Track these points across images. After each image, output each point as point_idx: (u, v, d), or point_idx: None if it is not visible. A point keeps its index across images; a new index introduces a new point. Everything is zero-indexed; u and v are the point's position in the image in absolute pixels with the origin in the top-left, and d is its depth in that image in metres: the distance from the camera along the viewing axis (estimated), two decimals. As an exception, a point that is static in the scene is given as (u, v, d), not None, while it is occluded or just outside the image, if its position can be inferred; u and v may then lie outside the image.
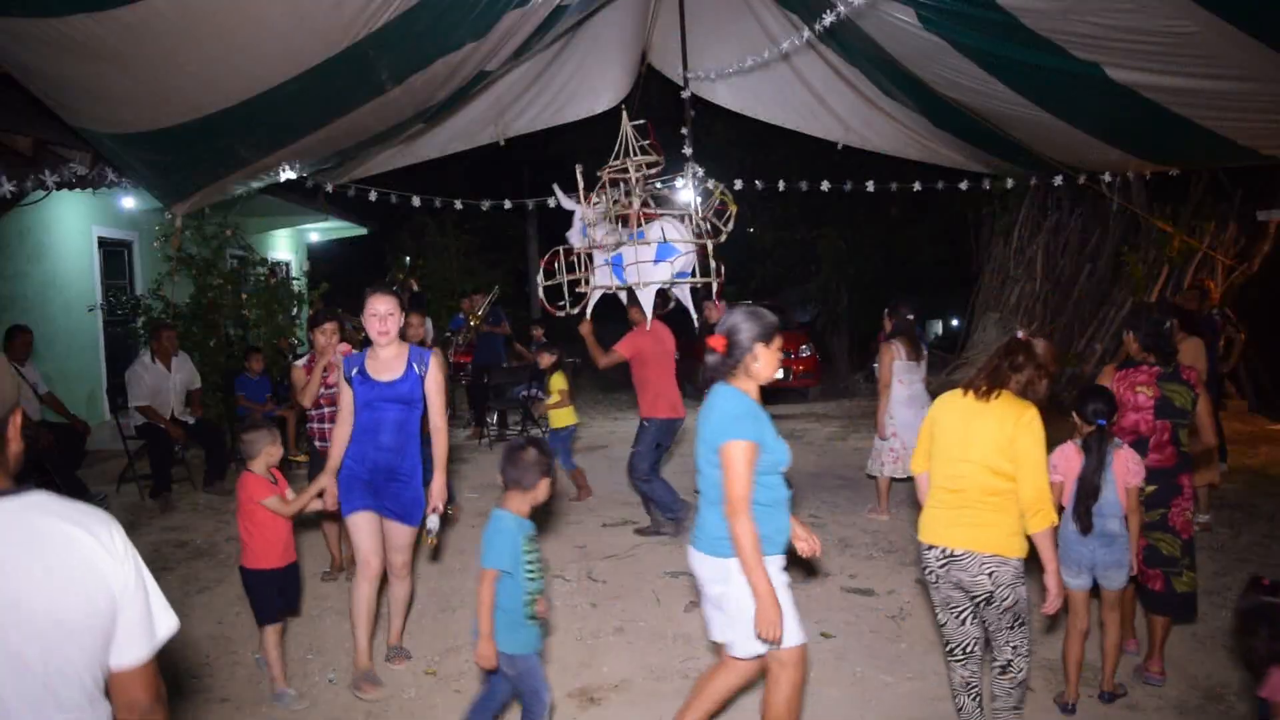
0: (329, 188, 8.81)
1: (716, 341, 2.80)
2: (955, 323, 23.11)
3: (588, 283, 5.73)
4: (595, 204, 5.64)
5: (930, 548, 2.99)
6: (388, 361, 3.66)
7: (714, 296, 6.49)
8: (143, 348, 7.32)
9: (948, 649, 3.08)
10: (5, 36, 4.35)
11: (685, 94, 8.92)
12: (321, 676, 3.90)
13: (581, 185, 5.67)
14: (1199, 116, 6.35)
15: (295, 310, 9.54)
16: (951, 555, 2.91)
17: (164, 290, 8.20)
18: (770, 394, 11.28)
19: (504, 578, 2.79)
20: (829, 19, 5.70)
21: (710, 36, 8.65)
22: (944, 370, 10.86)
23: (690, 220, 5.83)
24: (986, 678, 3.14)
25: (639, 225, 5.61)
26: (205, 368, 7.85)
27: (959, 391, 3.04)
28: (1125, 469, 3.34)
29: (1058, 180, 9.41)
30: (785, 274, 16.88)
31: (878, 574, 5.02)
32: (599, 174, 5.67)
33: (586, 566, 5.25)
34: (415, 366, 3.67)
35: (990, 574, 2.86)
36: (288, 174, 7.07)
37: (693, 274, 5.66)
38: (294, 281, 10.44)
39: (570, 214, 5.94)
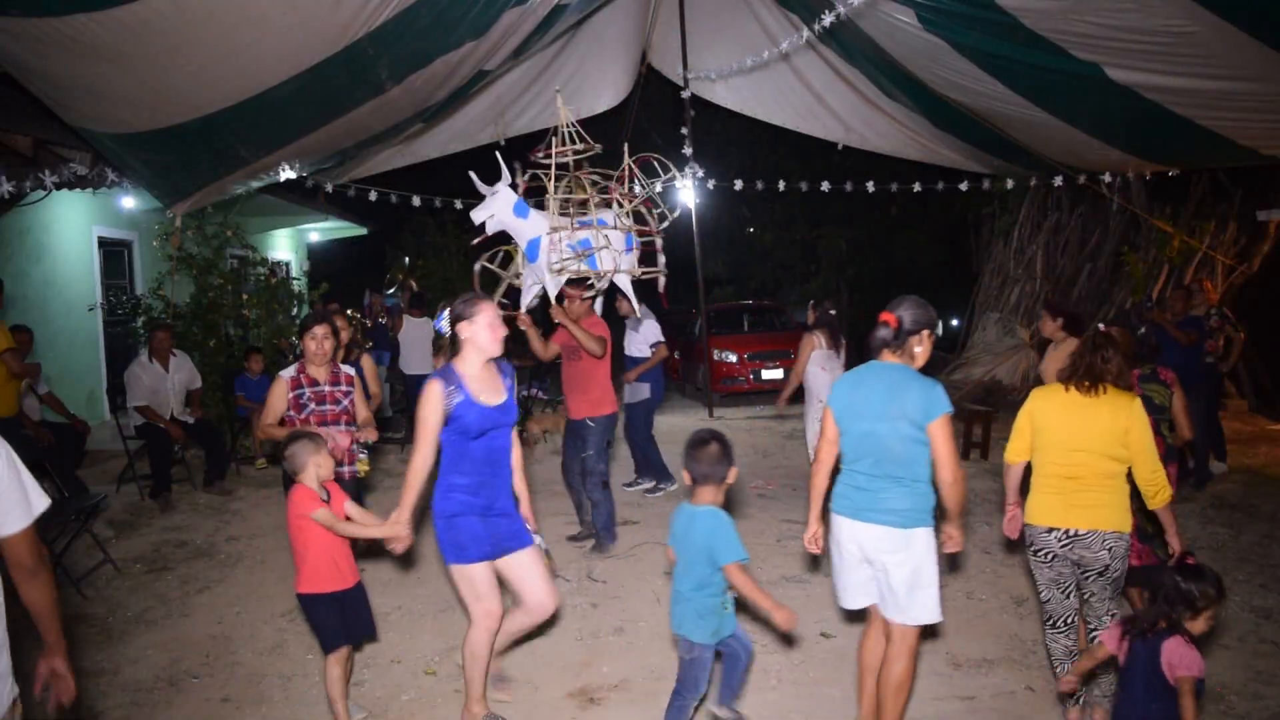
0: (329, 187, 8.82)
1: (889, 318, 3.04)
2: (955, 323, 23.11)
3: (519, 276, 5.57)
4: (554, 195, 5.33)
5: (1051, 530, 3.19)
6: (487, 382, 3.24)
7: (660, 290, 5.96)
8: (141, 348, 7.32)
9: (1050, 623, 3.32)
10: (5, 36, 4.35)
11: (685, 94, 8.94)
12: (321, 676, 3.90)
13: (524, 174, 5.46)
14: (1199, 116, 6.35)
15: (295, 310, 9.54)
16: (1076, 535, 3.14)
17: (164, 290, 8.20)
18: (770, 394, 11.19)
19: (705, 569, 2.89)
20: (828, 19, 5.70)
21: (710, 36, 8.66)
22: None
23: (626, 211, 5.54)
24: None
25: (612, 209, 5.44)
26: (205, 368, 7.85)
27: (1058, 387, 3.24)
28: None
29: (1058, 180, 9.41)
30: (785, 274, 16.89)
31: (878, 574, 5.02)
32: (533, 157, 5.44)
33: (586, 566, 5.24)
34: (510, 383, 3.32)
35: (1110, 549, 3.12)
36: (288, 174, 7.08)
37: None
38: (294, 281, 10.45)
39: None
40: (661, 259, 5.68)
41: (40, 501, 2.10)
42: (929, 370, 3.16)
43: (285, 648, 4.21)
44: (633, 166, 5.59)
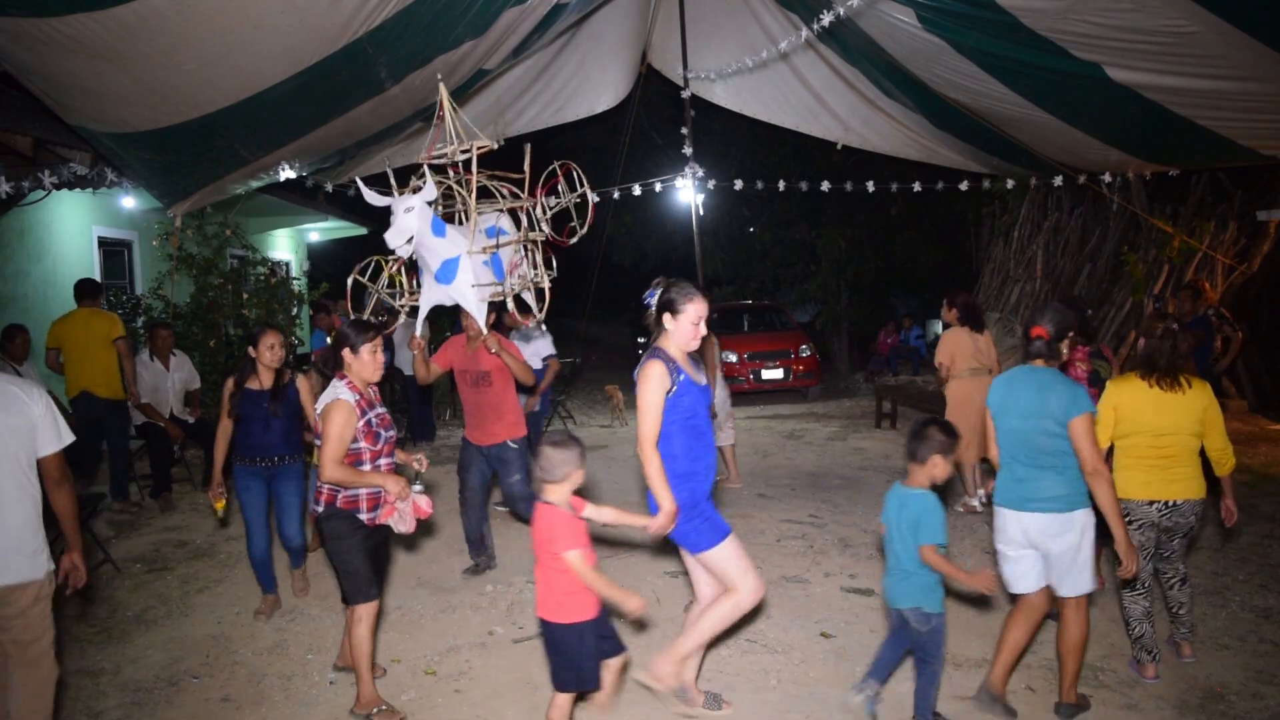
0: (329, 187, 8.81)
1: (1041, 331, 3.39)
2: (955, 323, 23.06)
3: (409, 290, 4.89)
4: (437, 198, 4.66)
5: (1151, 503, 3.62)
6: (689, 363, 3.22)
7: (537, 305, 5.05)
8: (142, 347, 7.33)
9: (1131, 587, 3.71)
10: (5, 36, 4.35)
11: (685, 94, 8.93)
12: (322, 676, 3.90)
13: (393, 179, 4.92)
14: (1199, 116, 6.35)
15: (295, 310, 9.54)
16: (1175, 505, 3.60)
17: (164, 290, 8.21)
18: (770, 394, 11.24)
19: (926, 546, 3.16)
20: (828, 19, 5.70)
21: (710, 36, 8.65)
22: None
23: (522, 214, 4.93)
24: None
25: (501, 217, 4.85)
26: (205, 368, 7.85)
27: (1135, 377, 3.67)
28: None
29: (1058, 180, 9.41)
30: (785, 274, 16.87)
31: (878, 574, 5.01)
32: (427, 159, 4.76)
33: (586, 566, 5.25)
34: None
35: (1197, 514, 3.64)
36: (287, 173, 7.07)
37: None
38: (294, 281, 10.44)
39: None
40: (549, 273, 4.95)
41: (68, 435, 3.01)
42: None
43: (285, 648, 4.21)
44: (558, 171, 5.06)
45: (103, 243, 9.25)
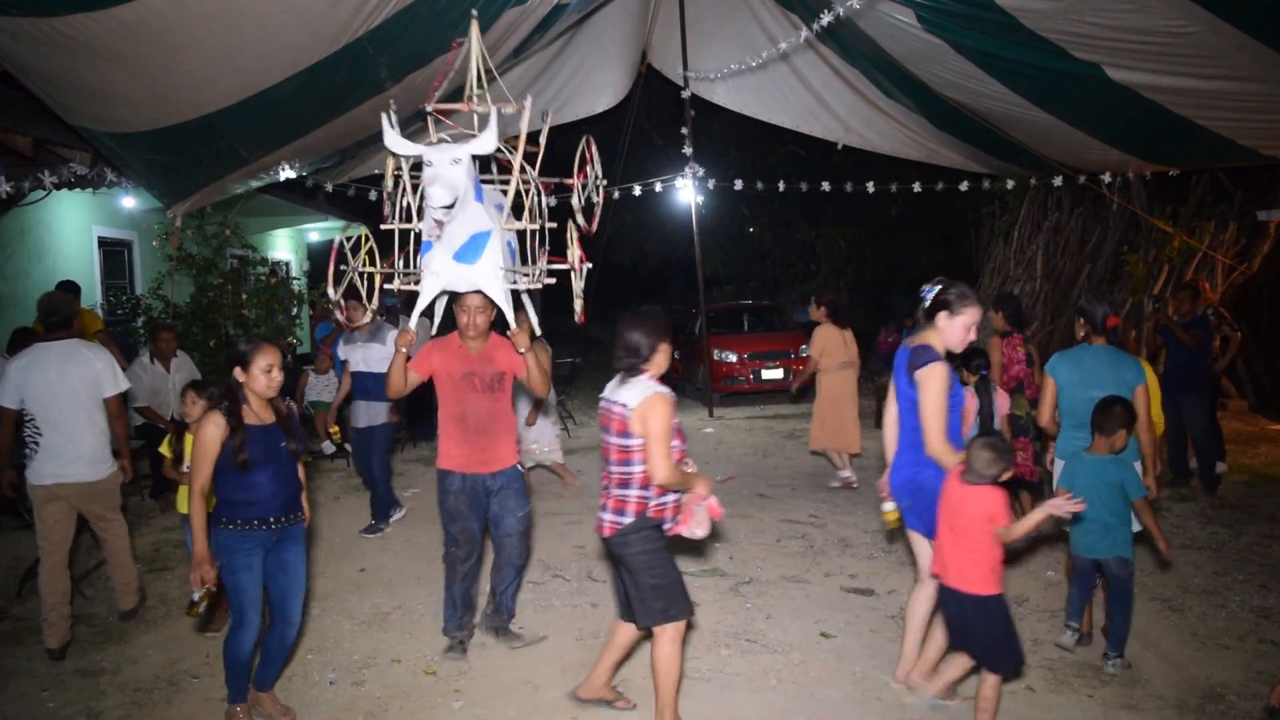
0: (329, 187, 8.81)
1: (1117, 320, 3.97)
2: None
3: (404, 273, 4.08)
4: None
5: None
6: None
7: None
8: (142, 348, 7.32)
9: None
10: (4, 36, 4.35)
11: (685, 94, 8.94)
12: (321, 676, 3.90)
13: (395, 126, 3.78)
14: (1199, 116, 6.35)
15: (295, 310, 9.54)
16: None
17: (164, 290, 8.20)
18: (770, 394, 11.22)
19: (1121, 502, 3.60)
20: (828, 19, 5.70)
21: (710, 36, 8.66)
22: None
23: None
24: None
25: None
26: (205, 368, 7.84)
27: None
28: (1002, 403, 4.83)
29: (1058, 180, 9.41)
30: (785, 274, 16.88)
31: (878, 574, 5.02)
32: (425, 108, 4.07)
33: (586, 566, 5.24)
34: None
35: None
36: (287, 173, 7.07)
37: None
38: (294, 281, 10.44)
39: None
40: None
41: (123, 383, 4.37)
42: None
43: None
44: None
45: (103, 243, 9.25)
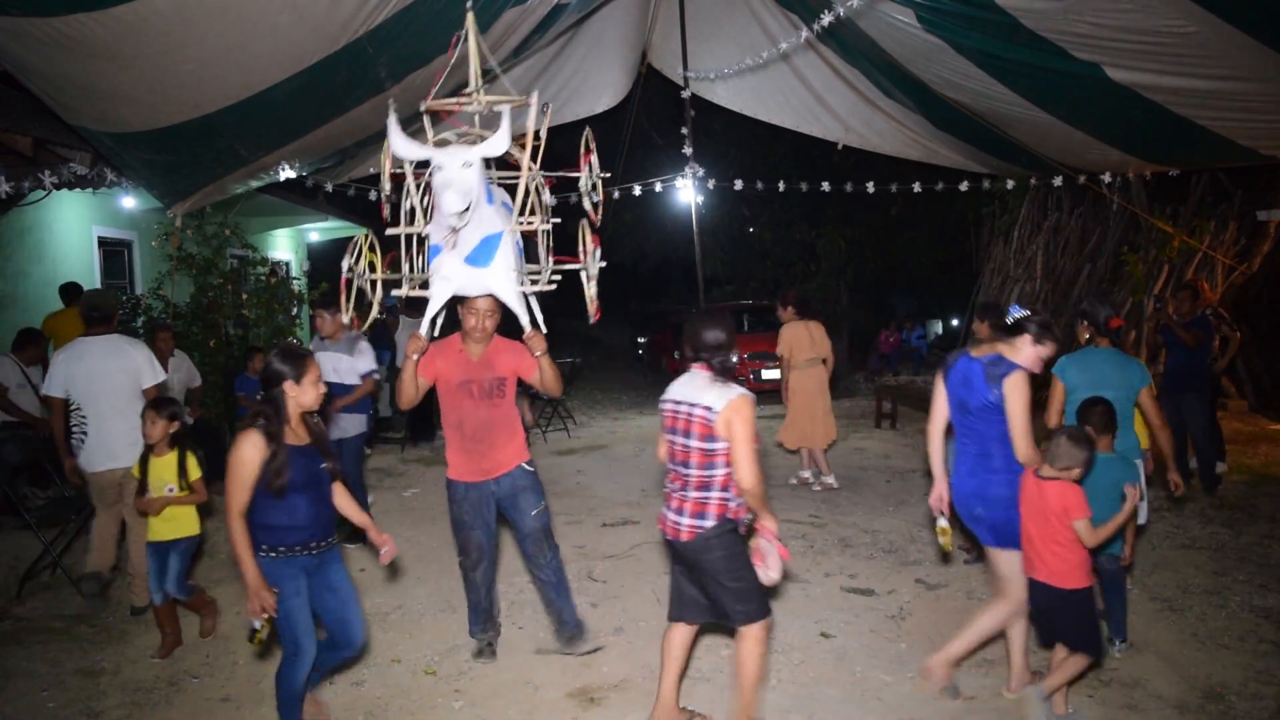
0: (329, 187, 8.80)
1: (1120, 321, 4.10)
2: (955, 322, 23.11)
3: (410, 278, 3.97)
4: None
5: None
6: None
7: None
8: (142, 347, 7.32)
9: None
10: (4, 35, 4.35)
11: (685, 94, 8.93)
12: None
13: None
14: (1199, 116, 6.35)
15: (295, 310, 9.53)
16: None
17: (164, 290, 8.20)
18: (770, 394, 11.20)
19: (1114, 502, 3.48)
20: (828, 19, 5.70)
21: (710, 37, 8.66)
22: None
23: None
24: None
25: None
26: (205, 368, 7.85)
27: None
28: None
29: (1058, 180, 9.40)
30: (785, 274, 16.87)
31: (878, 574, 5.02)
32: (423, 109, 3.93)
33: (586, 566, 5.25)
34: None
35: None
36: (287, 173, 7.06)
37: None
38: (294, 281, 10.44)
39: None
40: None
41: (160, 374, 4.76)
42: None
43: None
44: (591, 138, 4.19)
45: (103, 243, 9.25)
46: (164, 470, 4.07)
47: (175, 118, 5.45)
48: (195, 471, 4.15)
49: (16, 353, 6.27)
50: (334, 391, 5.70)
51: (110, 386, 4.53)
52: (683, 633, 3.28)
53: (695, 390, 3.07)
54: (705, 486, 3.06)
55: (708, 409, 3.00)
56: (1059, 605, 3.26)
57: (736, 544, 3.11)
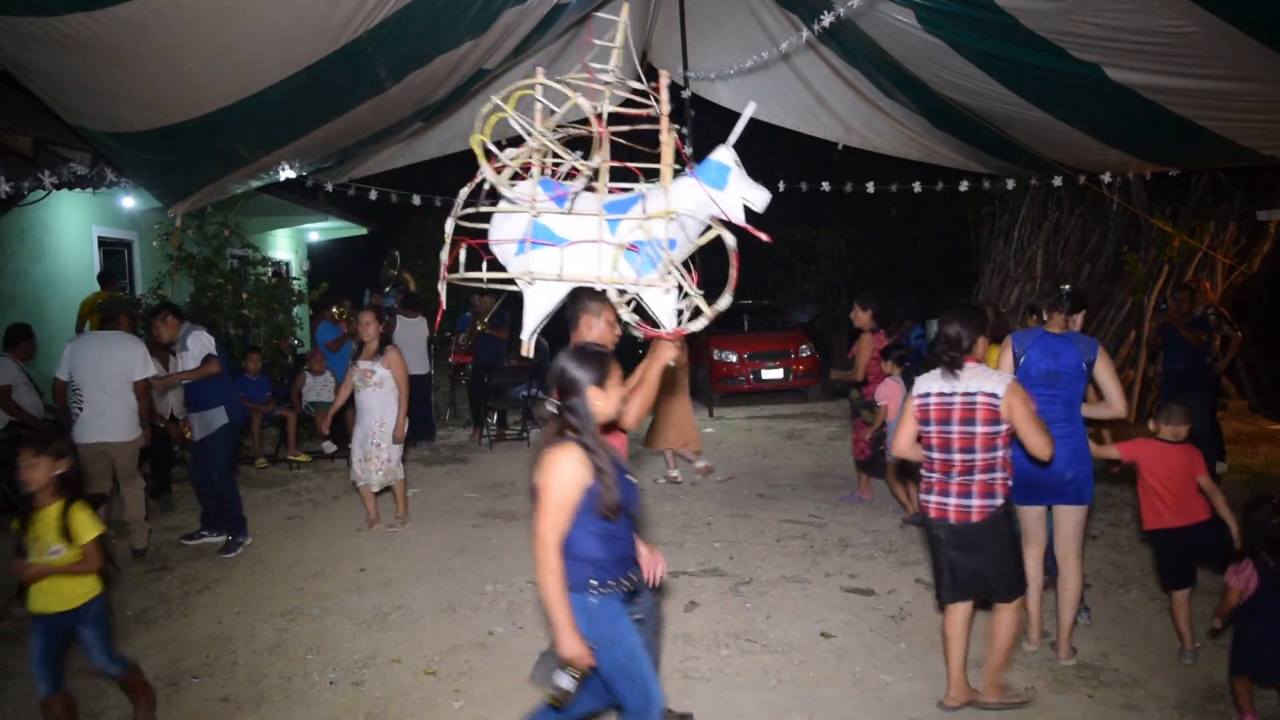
0: (329, 187, 8.80)
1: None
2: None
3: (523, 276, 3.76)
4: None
5: None
6: None
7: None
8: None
9: None
10: (4, 35, 4.35)
11: (685, 94, 8.93)
12: (322, 676, 3.90)
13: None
14: (1199, 116, 6.35)
15: (295, 310, 9.54)
16: None
17: (164, 290, 8.21)
18: (769, 394, 11.18)
19: None
20: (828, 19, 5.70)
21: (710, 36, 8.66)
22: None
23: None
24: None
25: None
26: (204, 367, 7.85)
27: None
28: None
29: (1058, 180, 9.40)
30: (785, 274, 16.88)
31: (878, 574, 5.02)
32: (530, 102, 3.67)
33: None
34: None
35: None
36: (287, 173, 7.07)
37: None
38: (294, 281, 10.44)
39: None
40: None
41: (151, 369, 5.53)
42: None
43: (285, 648, 4.21)
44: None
45: (103, 243, 9.25)
46: (46, 528, 3.17)
47: (175, 117, 5.46)
48: (87, 532, 3.20)
49: (10, 349, 6.25)
50: (193, 390, 5.83)
51: (104, 373, 5.31)
52: (964, 611, 3.44)
53: (970, 380, 3.30)
54: (991, 468, 3.29)
55: (991, 395, 3.25)
56: (1201, 534, 3.78)
57: (1012, 520, 3.49)
